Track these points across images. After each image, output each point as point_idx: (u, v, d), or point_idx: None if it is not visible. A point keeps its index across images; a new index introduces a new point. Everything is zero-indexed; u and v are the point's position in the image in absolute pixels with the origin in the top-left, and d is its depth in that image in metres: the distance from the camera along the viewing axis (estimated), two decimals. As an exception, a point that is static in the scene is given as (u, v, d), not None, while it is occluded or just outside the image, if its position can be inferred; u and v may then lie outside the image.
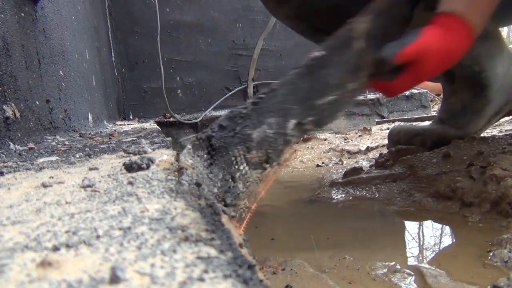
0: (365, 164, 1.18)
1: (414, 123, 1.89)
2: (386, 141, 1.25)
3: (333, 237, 0.70)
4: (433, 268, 0.52)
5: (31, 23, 1.09)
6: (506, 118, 1.42)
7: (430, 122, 1.22)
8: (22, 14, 1.03)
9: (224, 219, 0.41)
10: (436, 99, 2.75)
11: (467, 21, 0.72)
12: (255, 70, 2.72)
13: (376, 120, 2.28)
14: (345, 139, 1.70)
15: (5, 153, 0.76)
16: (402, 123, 1.82)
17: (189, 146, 0.49)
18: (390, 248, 0.63)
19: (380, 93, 0.63)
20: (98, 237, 0.27)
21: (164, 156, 0.57)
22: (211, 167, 0.47)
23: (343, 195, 0.90)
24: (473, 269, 0.51)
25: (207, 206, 0.38)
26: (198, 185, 0.44)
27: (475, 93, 1.01)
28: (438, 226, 0.70)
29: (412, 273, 0.52)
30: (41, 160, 0.67)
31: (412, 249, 0.64)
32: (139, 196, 0.37)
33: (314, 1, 0.72)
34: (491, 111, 1.04)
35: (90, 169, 0.53)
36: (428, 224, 0.72)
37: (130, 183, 0.42)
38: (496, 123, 1.41)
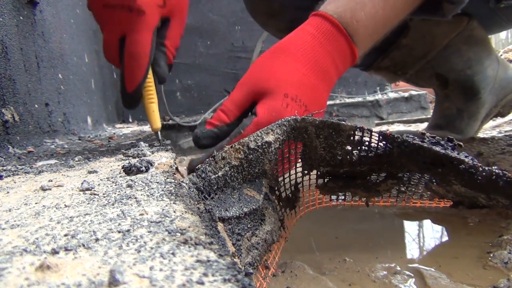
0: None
1: (412, 125, 1.89)
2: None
3: (333, 239, 0.69)
4: (433, 270, 0.52)
5: (30, 26, 1.09)
6: (506, 119, 1.42)
7: (425, 127, 1.22)
8: (21, 18, 1.03)
9: (220, 227, 0.41)
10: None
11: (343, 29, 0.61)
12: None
13: (375, 122, 2.29)
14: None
15: (4, 157, 0.76)
16: (401, 127, 1.82)
17: None
18: (390, 249, 0.63)
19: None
20: (97, 240, 0.27)
21: (163, 159, 0.57)
22: None
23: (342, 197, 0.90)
24: (473, 271, 0.51)
25: (206, 211, 0.38)
26: (198, 189, 0.44)
27: (468, 97, 1.02)
28: (438, 227, 0.70)
29: (412, 275, 0.52)
30: (40, 163, 0.67)
31: (412, 250, 0.64)
32: (138, 199, 0.37)
33: (308, 15, 0.66)
34: (484, 113, 1.05)
35: (89, 172, 0.53)
36: (427, 225, 0.72)
37: (129, 186, 0.42)
38: (495, 124, 1.41)
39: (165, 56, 0.76)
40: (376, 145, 0.55)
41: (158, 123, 0.76)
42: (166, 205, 0.34)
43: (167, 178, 0.45)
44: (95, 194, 0.40)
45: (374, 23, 0.63)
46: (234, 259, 0.24)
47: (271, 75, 0.59)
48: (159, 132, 0.78)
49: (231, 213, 0.46)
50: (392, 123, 2.09)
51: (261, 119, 0.56)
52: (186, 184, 0.43)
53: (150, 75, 0.73)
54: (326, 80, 0.62)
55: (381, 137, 0.54)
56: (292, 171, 0.61)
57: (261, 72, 0.60)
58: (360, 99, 2.47)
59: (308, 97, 0.59)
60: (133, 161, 0.51)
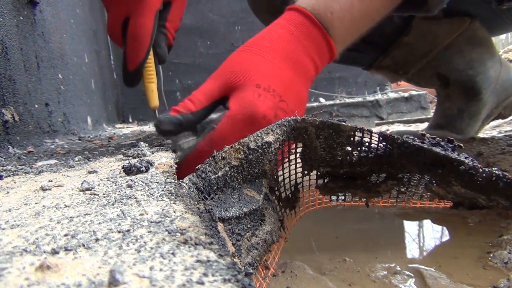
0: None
1: (412, 125, 1.89)
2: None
3: (333, 239, 0.69)
4: (433, 270, 0.52)
5: (30, 26, 1.09)
6: (506, 119, 1.42)
7: (425, 126, 1.22)
8: (21, 18, 1.03)
9: (220, 227, 0.41)
10: (435, 100, 2.75)
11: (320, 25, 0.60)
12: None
13: (376, 122, 2.29)
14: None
15: (4, 157, 0.76)
16: (402, 128, 1.82)
17: None
18: (390, 249, 0.63)
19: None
20: (97, 240, 0.27)
21: (163, 159, 0.57)
22: None
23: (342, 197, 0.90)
24: (473, 271, 0.51)
25: (206, 211, 0.38)
26: (198, 189, 0.44)
27: (469, 97, 1.02)
28: (438, 227, 0.70)
29: (412, 275, 0.52)
30: (40, 163, 0.67)
31: (412, 250, 0.64)
32: (138, 199, 0.37)
33: None
34: (485, 114, 1.05)
35: (89, 172, 0.53)
36: (428, 225, 0.72)
37: (129, 186, 0.42)
38: (495, 124, 1.41)
39: (165, 38, 0.79)
40: (376, 146, 0.55)
41: (156, 102, 0.81)
42: (166, 205, 0.34)
43: (167, 178, 0.45)
44: (95, 194, 0.40)
45: (351, 16, 0.61)
46: (234, 259, 0.24)
47: (242, 68, 0.59)
48: (156, 111, 0.83)
49: (231, 213, 0.46)
50: (392, 123, 2.09)
51: (233, 111, 0.56)
52: (186, 184, 0.43)
53: (151, 55, 0.77)
54: (301, 72, 0.61)
55: (381, 138, 0.54)
56: (292, 172, 0.61)
57: (233, 66, 0.60)
58: (360, 99, 2.47)
59: (282, 87, 0.58)
60: (133, 161, 0.51)
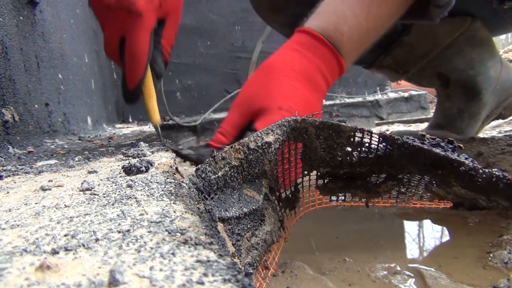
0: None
1: (412, 125, 1.89)
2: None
3: (333, 239, 0.69)
4: (433, 270, 0.52)
5: (30, 26, 1.09)
6: (507, 120, 1.42)
7: (425, 126, 1.22)
8: (21, 18, 1.03)
9: (220, 227, 0.41)
10: (435, 100, 2.75)
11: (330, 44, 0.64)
12: (254, 73, 2.72)
13: (375, 122, 2.29)
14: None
15: (4, 157, 0.76)
16: (400, 128, 1.82)
17: None
18: (390, 249, 0.63)
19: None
20: (97, 240, 0.27)
21: (163, 159, 0.57)
22: None
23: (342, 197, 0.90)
24: (473, 271, 0.51)
25: (206, 211, 0.38)
26: (198, 189, 0.44)
27: (470, 97, 1.02)
28: (438, 227, 0.70)
29: (412, 275, 0.52)
30: (40, 163, 0.67)
31: (412, 250, 0.64)
32: (138, 199, 0.37)
33: (310, 10, 0.69)
34: (485, 114, 1.05)
35: (89, 172, 0.53)
36: (427, 225, 0.72)
37: (129, 186, 0.42)
38: (495, 124, 1.41)
39: (161, 54, 0.81)
40: (376, 147, 0.55)
41: (157, 118, 0.83)
42: (166, 205, 0.34)
43: (167, 178, 0.46)
44: (95, 194, 0.40)
45: (358, 34, 0.66)
46: (234, 259, 0.24)
47: (263, 93, 0.62)
48: (158, 126, 0.83)
49: (231, 213, 0.46)
50: (392, 123, 2.09)
51: None
52: (186, 184, 0.43)
53: (149, 72, 0.79)
54: (316, 91, 0.65)
55: (381, 138, 0.54)
56: (292, 172, 0.61)
57: (253, 91, 0.64)
58: (360, 99, 2.47)
59: (301, 107, 0.61)
60: (133, 161, 0.51)
